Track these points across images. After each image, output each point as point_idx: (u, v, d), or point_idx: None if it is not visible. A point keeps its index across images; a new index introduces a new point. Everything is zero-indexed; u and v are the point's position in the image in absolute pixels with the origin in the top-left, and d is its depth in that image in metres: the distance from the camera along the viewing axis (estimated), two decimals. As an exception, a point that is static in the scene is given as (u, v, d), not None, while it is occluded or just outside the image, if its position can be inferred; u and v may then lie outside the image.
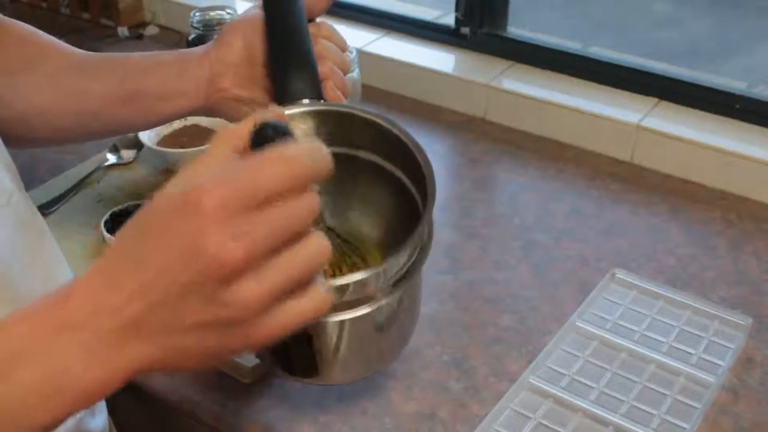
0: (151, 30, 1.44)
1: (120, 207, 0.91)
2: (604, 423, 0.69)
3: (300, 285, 0.41)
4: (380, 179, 0.65)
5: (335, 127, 0.63)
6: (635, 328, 0.79)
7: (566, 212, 0.97)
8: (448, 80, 1.19)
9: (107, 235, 0.88)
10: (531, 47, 1.20)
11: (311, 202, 0.40)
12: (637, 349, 0.76)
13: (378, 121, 0.62)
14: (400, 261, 0.55)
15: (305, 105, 0.62)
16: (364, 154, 0.65)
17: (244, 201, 0.38)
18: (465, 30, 1.23)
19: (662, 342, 0.77)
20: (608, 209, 0.98)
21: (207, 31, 1.08)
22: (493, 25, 1.22)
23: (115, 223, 0.89)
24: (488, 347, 0.77)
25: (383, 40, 1.29)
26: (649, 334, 0.78)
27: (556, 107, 1.10)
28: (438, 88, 1.19)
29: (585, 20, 2.61)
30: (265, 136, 0.42)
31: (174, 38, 1.41)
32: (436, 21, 1.28)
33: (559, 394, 0.71)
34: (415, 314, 0.65)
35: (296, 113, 0.62)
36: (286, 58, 0.64)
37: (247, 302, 0.39)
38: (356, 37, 1.28)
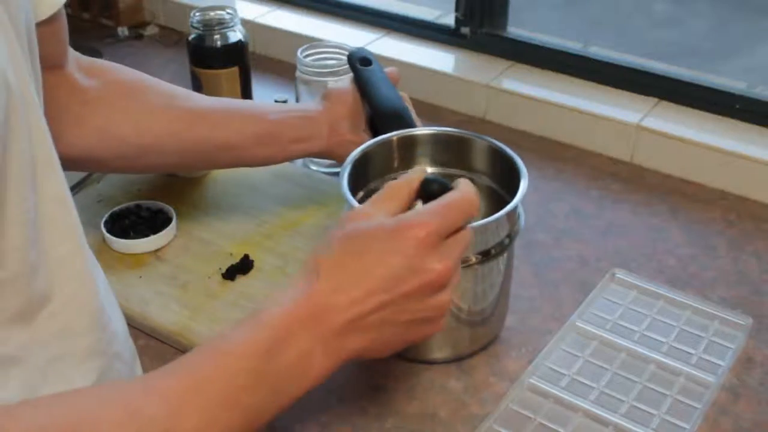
0: (151, 30, 1.44)
1: (120, 207, 0.91)
2: (604, 423, 0.69)
3: None
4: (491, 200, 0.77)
5: (455, 152, 0.79)
6: (635, 328, 0.79)
7: (566, 212, 0.97)
8: (448, 80, 1.19)
9: (107, 235, 0.88)
10: (531, 47, 1.20)
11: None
12: (637, 349, 0.76)
13: (495, 145, 0.76)
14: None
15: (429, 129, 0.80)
16: (479, 178, 0.77)
17: (442, 233, 0.55)
18: (465, 30, 1.23)
19: (662, 342, 0.77)
20: (608, 209, 0.98)
21: (207, 31, 1.08)
22: (493, 25, 1.22)
23: (115, 223, 0.89)
24: (488, 347, 0.77)
25: (383, 40, 1.29)
26: (649, 334, 0.78)
27: (556, 107, 1.10)
28: (438, 88, 1.19)
29: (585, 20, 2.61)
30: (431, 188, 0.60)
31: (174, 38, 1.41)
32: (436, 21, 1.28)
33: (559, 394, 0.71)
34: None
35: (423, 135, 0.79)
36: (386, 116, 0.84)
37: (444, 305, 0.56)
38: (356, 37, 1.29)
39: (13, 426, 0.43)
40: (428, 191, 0.60)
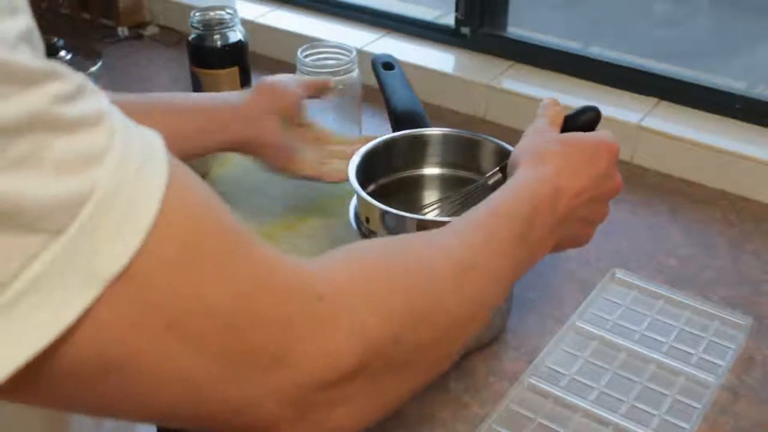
0: (151, 30, 1.44)
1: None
2: (604, 423, 0.69)
3: None
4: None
5: (463, 153, 0.81)
6: (635, 328, 0.79)
7: (566, 212, 0.97)
8: (448, 80, 1.19)
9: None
10: (531, 47, 1.20)
11: None
12: (637, 349, 0.76)
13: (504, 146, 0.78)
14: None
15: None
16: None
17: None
18: (465, 30, 1.23)
19: (662, 342, 0.77)
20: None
21: (207, 31, 1.08)
22: (493, 25, 1.22)
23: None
24: (488, 347, 0.77)
25: (383, 40, 1.29)
26: (649, 334, 0.78)
27: (556, 107, 1.10)
28: (438, 88, 1.19)
29: (585, 20, 2.61)
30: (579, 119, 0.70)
31: (174, 38, 1.41)
32: (436, 21, 1.28)
33: (559, 394, 0.71)
34: None
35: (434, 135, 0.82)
36: (402, 117, 0.87)
37: (607, 212, 0.66)
38: (356, 37, 1.28)
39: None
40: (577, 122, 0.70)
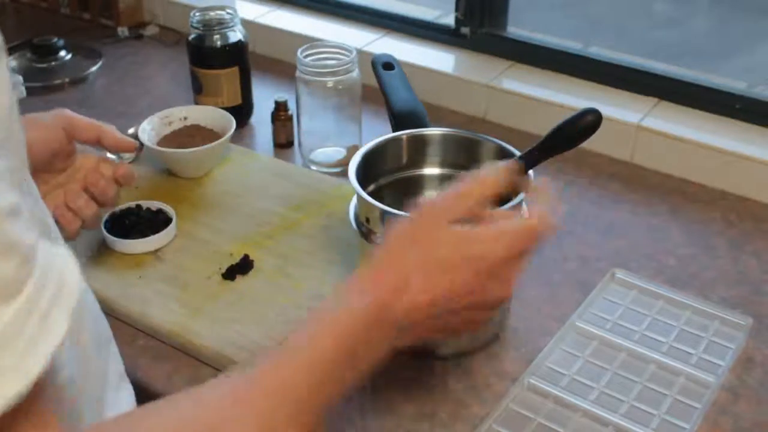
0: (151, 30, 1.44)
1: (120, 207, 0.91)
2: (604, 423, 0.69)
3: None
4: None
5: (463, 152, 0.80)
6: (635, 328, 0.79)
7: (566, 212, 0.97)
8: (448, 80, 1.19)
9: (107, 235, 0.88)
10: (531, 47, 1.20)
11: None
12: (637, 349, 0.76)
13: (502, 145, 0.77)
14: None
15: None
16: None
17: (508, 262, 0.57)
18: (465, 30, 1.23)
19: (662, 342, 0.77)
20: (608, 209, 0.98)
21: (207, 31, 1.08)
22: (493, 25, 1.22)
23: (115, 223, 0.89)
24: (488, 347, 0.77)
25: (383, 40, 1.29)
26: (649, 334, 0.78)
27: (556, 107, 1.10)
28: (438, 88, 1.19)
29: (585, 20, 2.60)
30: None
31: (174, 38, 1.41)
32: (436, 21, 1.28)
33: (559, 394, 0.71)
34: None
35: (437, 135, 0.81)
36: (402, 117, 0.86)
37: (491, 316, 0.61)
38: (356, 37, 1.28)
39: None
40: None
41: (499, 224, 0.58)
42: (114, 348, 0.62)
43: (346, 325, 0.52)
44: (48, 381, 0.38)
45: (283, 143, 1.09)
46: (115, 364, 0.61)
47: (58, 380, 0.50)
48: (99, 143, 0.81)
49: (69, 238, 0.79)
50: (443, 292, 0.55)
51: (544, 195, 0.61)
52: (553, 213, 0.59)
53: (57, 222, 0.77)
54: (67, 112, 0.80)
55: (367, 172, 0.76)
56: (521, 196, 0.70)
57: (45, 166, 0.78)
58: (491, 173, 0.60)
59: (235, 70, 1.10)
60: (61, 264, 0.39)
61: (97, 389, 0.56)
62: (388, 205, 0.70)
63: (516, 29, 1.23)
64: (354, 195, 0.75)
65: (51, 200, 0.78)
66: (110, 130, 0.81)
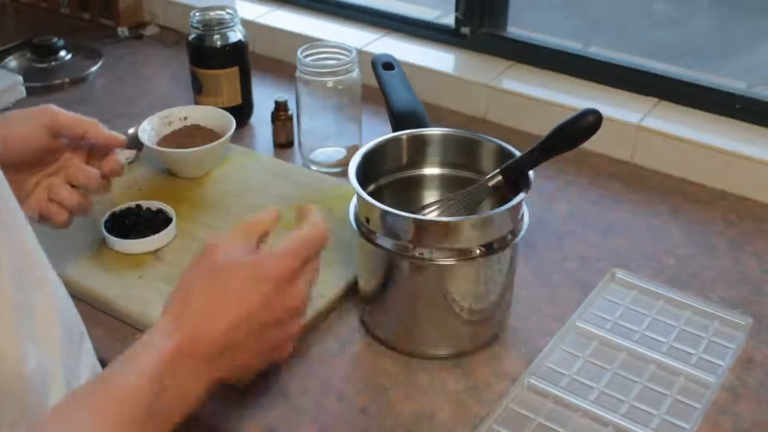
0: (151, 30, 1.44)
1: (120, 207, 0.91)
2: (604, 423, 0.69)
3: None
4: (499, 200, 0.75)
5: (463, 152, 0.80)
6: (635, 328, 0.79)
7: (566, 212, 0.97)
8: (448, 80, 1.19)
9: (107, 235, 0.88)
10: (531, 47, 1.20)
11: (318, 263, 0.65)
12: (637, 349, 0.76)
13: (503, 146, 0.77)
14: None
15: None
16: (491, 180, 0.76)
17: (296, 270, 0.61)
18: (465, 30, 1.23)
19: (662, 342, 0.77)
20: (608, 209, 0.98)
21: (207, 31, 1.08)
22: (493, 25, 1.22)
23: (115, 223, 0.89)
24: (488, 347, 0.77)
25: (383, 40, 1.29)
26: (649, 334, 0.78)
27: (556, 107, 1.10)
28: (438, 88, 1.19)
29: (585, 20, 2.61)
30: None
31: (174, 38, 1.41)
32: (436, 21, 1.28)
33: (559, 394, 0.71)
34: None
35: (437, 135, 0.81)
36: (402, 117, 0.86)
37: (295, 333, 0.63)
38: (356, 37, 1.29)
39: None
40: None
41: (279, 245, 0.62)
42: (88, 344, 0.62)
43: (150, 360, 0.54)
44: None
45: (283, 143, 1.09)
46: (87, 358, 0.61)
47: (25, 371, 0.51)
48: (85, 139, 0.79)
49: (61, 227, 0.80)
50: (237, 315, 0.58)
51: (310, 215, 0.65)
52: (322, 225, 0.64)
53: (44, 216, 0.79)
54: (51, 108, 0.79)
55: (367, 172, 0.76)
56: (521, 195, 0.71)
57: (29, 163, 0.78)
58: (270, 215, 0.66)
59: (235, 70, 1.10)
60: None
61: (68, 383, 0.57)
62: (388, 205, 0.70)
63: (516, 29, 1.23)
64: (354, 195, 0.75)
65: (40, 193, 0.79)
66: (95, 126, 0.80)
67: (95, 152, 0.81)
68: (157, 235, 0.88)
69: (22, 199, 0.78)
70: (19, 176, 0.78)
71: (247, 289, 0.59)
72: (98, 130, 0.80)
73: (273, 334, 0.61)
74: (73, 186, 0.79)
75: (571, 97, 1.11)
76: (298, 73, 1.00)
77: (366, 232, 0.73)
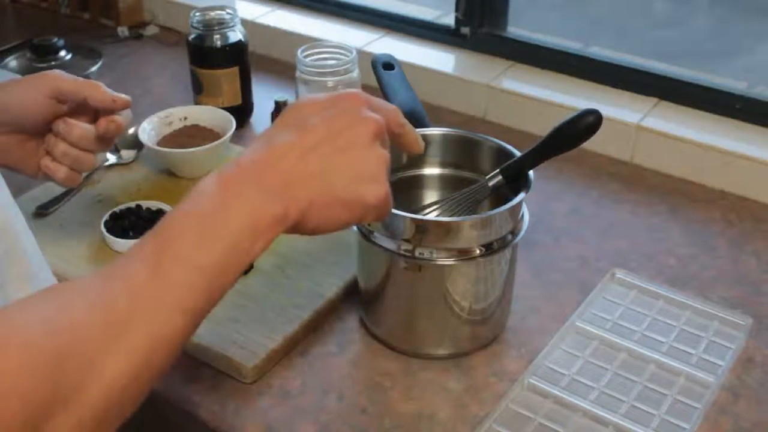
0: (151, 30, 1.44)
1: (120, 207, 0.91)
2: (604, 423, 0.69)
3: None
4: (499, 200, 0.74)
5: (463, 152, 0.80)
6: (635, 328, 0.79)
7: (566, 212, 0.97)
8: (448, 80, 1.19)
9: (107, 235, 0.88)
10: (531, 47, 1.20)
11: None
12: (637, 349, 0.76)
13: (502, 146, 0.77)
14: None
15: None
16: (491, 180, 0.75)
17: (370, 102, 0.60)
18: (465, 30, 1.23)
19: (662, 342, 0.77)
20: (608, 209, 0.98)
21: (207, 31, 1.08)
22: (493, 25, 1.22)
23: (115, 223, 0.89)
24: (488, 347, 0.77)
25: (383, 40, 1.29)
26: (649, 334, 0.78)
27: (556, 107, 1.10)
28: (438, 88, 1.19)
29: (585, 20, 2.61)
30: None
31: (174, 38, 1.41)
32: (436, 21, 1.28)
33: (559, 394, 0.71)
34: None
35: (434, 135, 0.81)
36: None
37: (381, 156, 0.56)
38: (356, 37, 1.29)
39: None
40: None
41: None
42: None
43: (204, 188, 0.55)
44: None
45: (283, 143, 1.09)
46: None
47: None
48: (87, 104, 0.79)
49: (64, 184, 0.81)
50: (317, 127, 0.54)
51: None
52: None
53: (45, 173, 0.79)
54: (54, 74, 0.79)
55: None
56: (521, 195, 0.71)
57: (33, 130, 0.79)
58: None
59: (235, 70, 1.10)
60: None
61: None
62: None
63: (516, 29, 1.23)
64: None
65: (41, 152, 0.80)
66: (97, 89, 0.79)
67: (102, 114, 0.81)
68: (157, 235, 0.88)
69: (26, 162, 0.80)
70: (25, 144, 0.79)
71: (323, 111, 0.56)
72: (99, 93, 0.79)
73: (349, 137, 0.55)
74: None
75: (571, 97, 1.11)
76: (298, 73, 1.00)
77: (366, 232, 0.73)
